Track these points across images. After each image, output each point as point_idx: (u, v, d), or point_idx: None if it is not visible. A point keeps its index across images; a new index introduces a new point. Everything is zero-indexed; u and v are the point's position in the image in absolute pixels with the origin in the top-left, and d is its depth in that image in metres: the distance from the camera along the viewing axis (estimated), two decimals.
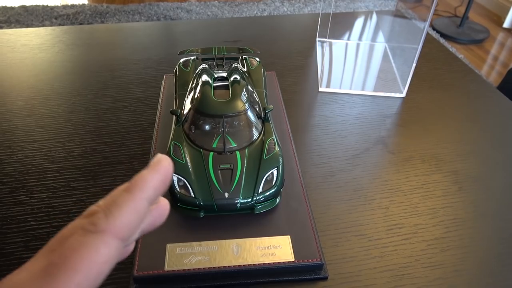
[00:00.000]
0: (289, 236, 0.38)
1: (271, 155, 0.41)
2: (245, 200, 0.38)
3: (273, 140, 0.43)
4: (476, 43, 2.18)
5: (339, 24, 0.81)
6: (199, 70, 0.50)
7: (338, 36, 0.78)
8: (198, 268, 0.35)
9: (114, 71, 0.66)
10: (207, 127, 0.42)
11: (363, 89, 0.64)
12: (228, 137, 0.41)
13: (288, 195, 0.42)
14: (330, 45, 0.76)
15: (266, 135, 0.43)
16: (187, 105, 0.45)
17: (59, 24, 1.94)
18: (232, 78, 0.46)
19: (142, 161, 0.49)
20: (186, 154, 0.40)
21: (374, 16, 0.84)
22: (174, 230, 0.38)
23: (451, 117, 0.59)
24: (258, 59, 0.56)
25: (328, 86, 0.64)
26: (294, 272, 0.37)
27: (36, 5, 2.17)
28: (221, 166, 0.39)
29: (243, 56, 0.56)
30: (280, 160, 0.41)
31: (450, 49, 2.02)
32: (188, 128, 0.43)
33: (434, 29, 2.24)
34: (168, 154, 0.40)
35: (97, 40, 0.76)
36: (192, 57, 0.56)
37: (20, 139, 0.52)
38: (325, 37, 0.78)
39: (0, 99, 0.59)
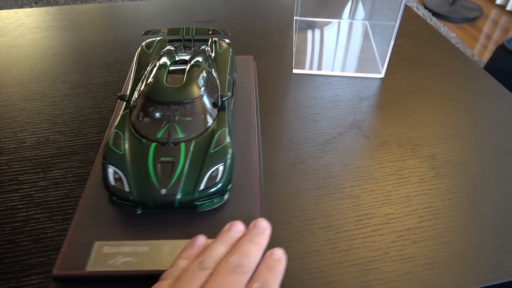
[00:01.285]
0: None
1: (219, 148, 0.37)
2: (184, 198, 0.35)
3: (224, 132, 0.39)
4: (469, 22, 2.13)
5: (318, 2, 0.77)
6: (161, 52, 0.46)
7: (317, 14, 0.74)
8: (122, 271, 0.32)
9: (76, 55, 0.62)
10: (155, 115, 0.38)
11: (340, 70, 0.60)
12: (177, 126, 0.38)
13: (240, 191, 0.39)
14: (308, 24, 0.72)
15: (218, 126, 0.39)
16: (139, 90, 0.42)
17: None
18: (192, 62, 0.43)
19: (97, 151, 0.45)
20: (126, 144, 0.37)
21: None
22: (106, 227, 0.35)
23: (432, 98, 0.56)
24: (228, 41, 0.52)
25: (302, 67, 0.60)
26: None
27: None
28: (161, 158, 0.36)
29: (213, 38, 0.52)
30: (229, 154, 0.37)
31: (442, 28, 1.97)
32: (135, 116, 0.39)
33: (426, 7, 2.19)
34: (107, 144, 0.37)
35: (62, 23, 0.72)
36: (158, 38, 0.52)
37: None
38: (303, 16, 0.74)
39: None
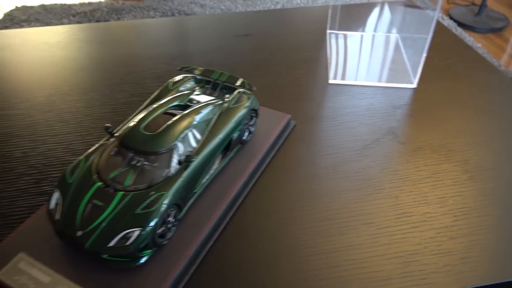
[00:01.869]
0: None
1: (145, 212, 0.36)
2: (92, 247, 0.35)
3: (161, 196, 0.37)
4: (495, 32, 2.13)
5: (349, 16, 0.81)
6: (176, 94, 0.47)
7: (349, 28, 0.78)
8: None
9: (129, 66, 0.68)
10: (118, 155, 0.40)
11: (373, 80, 0.64)
12: (130, 173, 0.38)
13: (162, 258, 0.38)
14: (341, 37, 0.77)
15: (162, 187, 0.38)
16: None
17: (77, 22, 1.98)
18: (184, 113, 0.43)
19: None
20: (79, 175, 0.39)
21: (386, 7, 0.84)
22: (40, 244, 0.38)
23: (462, 107, 0.59)
24: (249, 96, 0.49)
25: (338, 78, 0.65)
26: None
27: (55, 4, 2.22)
28: (94, 201, 0.36)
29: (240, 89, 0.50)
30: (152, 222, 0.35)
31: (468, 39, 1.98)
32: (106, 150, 0.41)
33: (451, 18, 2.20)
34: (66, 169, 0.39)
35: (112, 37, 0.78)
36: (190, 75, 0.52)
37: (42, 133, 0.54)
38: (336, 29, 0.78)
39: (23, 95, 0.62)
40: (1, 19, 2.11)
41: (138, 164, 0.39)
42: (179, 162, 0.40)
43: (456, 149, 0.52)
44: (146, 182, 0.38)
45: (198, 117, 0.43)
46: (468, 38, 2.00)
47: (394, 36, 0.77)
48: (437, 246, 0.40)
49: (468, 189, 0.46)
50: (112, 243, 0.35)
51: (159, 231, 0.37)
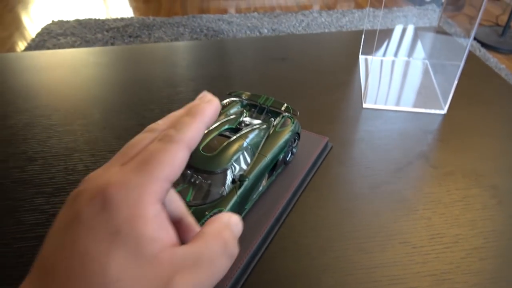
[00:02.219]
0: None
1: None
2: None
3: (220, 211, 0.41)
4: None
5: (381, 41, 0.85)
6: (227, 118, 0.51)
7: (380, 52, 0.83)
8: None
9: (176, 87, 0.74)
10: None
11: (405, 105, 0.68)
12: (190, 189, 0.42)
13: None
14: (373, 61, 0.81)
15: (218, 204, 0.42)
16: None
17: (111, 37, 2.08)
18: (238, 135, 0.47)
19: None
20: None
21: (416, 33, 0.88)
22: None
23: (492, 133, 0.62)
24: (293, 121, 0.53)
25: (371, 102, 0.69)
26: None
27: (89, 19, 2.33)
28: None
29: (284, 113, 0.54)
30: None
31: (491, 60, 1.99)
32: None
33: (474, 38, 2.22)
34: None
35: (156, 58, 0.84)
36: (238, 99, 0.56)
37: (101, 149, 0.60)
38: (368, 54, 0.82)
39: (82, 112, 0.68)
40: (39, 32, 2.22)
41: (197, 182, 0.44)
42: (233, 181, 0.45)
43: (485, 174, 0.55)
44: (204, 198, 0.43)
45: (248, 140, 0.48)
46: (492, 59, 2.01)
47: (424, 62, 0.81)
48: (467, 266, 0.44)
49: (497, 213, 0.50)
50: None
51: None
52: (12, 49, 2.15)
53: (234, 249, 0.23)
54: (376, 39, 0.76)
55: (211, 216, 0.41)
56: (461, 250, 0.45)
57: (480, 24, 2.37)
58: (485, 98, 0.70)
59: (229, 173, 0.45)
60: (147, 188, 0.20)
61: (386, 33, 0.87)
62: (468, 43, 0.61)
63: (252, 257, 0.44)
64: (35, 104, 0.70)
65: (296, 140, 0.55)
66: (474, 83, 0.74)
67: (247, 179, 0.45)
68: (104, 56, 0.85)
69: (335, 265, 0.44)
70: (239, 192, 0.44)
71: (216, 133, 0.49)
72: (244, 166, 0.46)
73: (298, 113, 0.54)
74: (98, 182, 0.20)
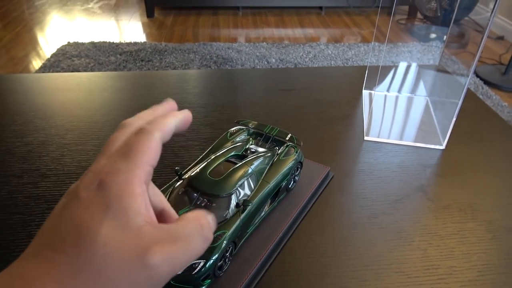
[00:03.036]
0: None
1: (210, 246, 0.39)
2: None
3: (224, 234, 0.43)
4: None
5: (384, 76, 0.89)
6: (235, 144, 0.55)
7: (382, 87, 0.86)
8: None
9: None
10: (185, 196, 0.46)
11: (405, 139, 0.71)
12: None
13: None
14: (375, 96, 0.84)
15: (224, 226, 0.44)
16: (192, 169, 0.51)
17: (123, 60, 2.15)
18: (244, 161, 0.50)
19: None
20: None
21: (417, 70, 0.92)
22: None
23: (488, 170, 0.64)
24: (297, 150, 0.56)
25: (373, 135, 0.71)
26: None
27: (104, 42, 2.41)
28: None
29: (289, 143, 0.57)
30: (214, 255, 0.41)
31: (494, 97, 2.03)
32: (175, 189, 0.48)
33: (477, 76, 2.27)
34: None
35: (169, 85, 0.88)
36: (244, 128, 0.60)
37: None
38: (371, 88, 0.86)
39: (95, 133, 0.71)
40: (54, 53, 2.30)
41: (202, 204, 0.46)
42: (237, 205, 0.47)
43: (481, 209, 0.57)
44: None
45: (253, 167, 0.51)
46: (494, 96, 2.05)
47: (424, 98, 0.84)
48: None
49: (492, 247, 0.51)
50: (180, 271, 0.41)
51: (218, 264, 0.43)
52: (27, 68, 2.22)
53: (209, 233, 0.27)
54: (378, 74, 0.79)
55: (214, 237, 0.43)
56: (456, 282, 0.47)
57: (483, 62, 2.43)
58: (483, 135, 0.73)
59: (233, 197, 0.47)
60: (133, 172, 0.24)
61: (389, 69, 0.90)
62: (467, 80, 0.64)
63: (251, 280, 0.46)
64: (51, 123, 0.74)
65: (299, 169, 0.57)
66: (473, 121, 0.77)
67: (250, 204, 0.47)
68: (118, 80, 0.89)
69: None
70: (242, 216, 0.46)
71: (223, 159, 0.52)
72: (248, 192, 0.49)
73: (302, 143, 0.57)
74: (92, 172, 0.25)
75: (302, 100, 0.82)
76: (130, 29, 2.73)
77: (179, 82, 0.89)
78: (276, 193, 0.53)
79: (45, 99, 0.82)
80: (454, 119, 0.67)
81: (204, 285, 0.43)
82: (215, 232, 0.43)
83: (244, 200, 0.47)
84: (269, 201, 0.53)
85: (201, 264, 0.42)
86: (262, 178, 0.51)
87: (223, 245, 0.43)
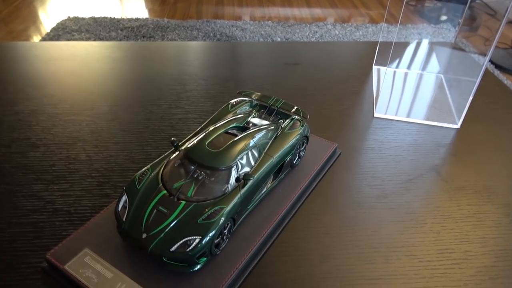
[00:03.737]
0: None
1: (206, 222, 0.39)
2: (154, 250, 0.38)
3: (221, 209, 0.40)
4: None
5: (396, 53, 0.84)
6: (236, 116, 0.51)
7: (395, 64, 0.81)
8: (81, 282, 0.38)
9: (186, 85, 0.73)
10: (182, 168, 0.43)
11: (418, 117, 0.66)
12: (193, 185, 0.41)
13: (215, 266, 0.41)
14: (386, 72, 0.79)
15: (221, 201, 0.41)
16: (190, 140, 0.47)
17: (124, 36, 2.09)
18: (244, 134, 0.47)
19: None
20: (146, 182, 0.42)
21: (432, 47, 0.87)
22: (105, 242, 0.42)
23: (505, 151, 0.60)
24: (302, 124, 0.52)
25: (383, 112, 0.67)
26: None
27: (104, 17, 2.35)
28: (160, 207, 0.40)
29: (294, 116, 0.53)
30: (211, 231, 0.38)
31: (505, 82, 1.97)
32: (170, 161, 0.44)
33: (489, 60, 2.20)
34: (135, 176, 0.43)
35: (170, 56, 0.84)
36: (247, 99, 0.56)
37: (105, 140, 0.59)
38: (382, 65, 0.81)
39: (89, 104, 0.67)
40: (54, 27, 2.24)
41: (200, 178, 0.42)
42: (237, 179, 0.43)
43: (498, 191, 0.53)
44: (206, 195, 0.41)
45: (255, 139, 0.47)
46: (506, 81, 1.99)
47: (438, 76, 0.80)
48: (476, 285, 0.42)
49: (510, 232, 0.47)
50: (173, 248, 0.38)
51: (216, 241, 0.40)
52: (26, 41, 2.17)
53: None
54: (391, 50, 0.75)
55: (211, 213, 0.39)
56: (470, 267, 0.43)
57: (495, 47, 2.36)
58: (500, 116, 0.69)
59: (233, 171, 0.43)
60: None
61: (402, 46, 0.86)
62: (485, 61, 0.60)
63: (251, 259, 0.43)
64: (43, 93, 0.70)
65: (304, 144, 0.53)
66: (489, 100, 0.73)
67: (251, 178, 0.43)
68: (116, 51, 0.85)
69: (335, 274, 0.42)
70: (242, 191, 0.43)
71: (222, 130, 0.48)
72: (249, 166, 0.45)
73: (308, 116, 0.53)
74: None
75: (308, 75, 0.78)
76: (132, 5, 2.66)
77: (179, 54, 0.85)
78: (279, 169, 0.49)
79: (38, 68, 0.77)
80: (471, 97, 0.62)
81: (199, 263, 0.40)
82: (212, 207, 0.40)
83: (245, 174, 0.43)
84: (271, 177, 0.49)
85: (196, 240, 0.38)
86: (264, 152, 0.47)
87: (221, 221, 0.39)
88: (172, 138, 0.46)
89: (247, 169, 0.44)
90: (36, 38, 2.16)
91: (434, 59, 0.84)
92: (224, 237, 0.41)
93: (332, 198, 0.51)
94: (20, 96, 0.68)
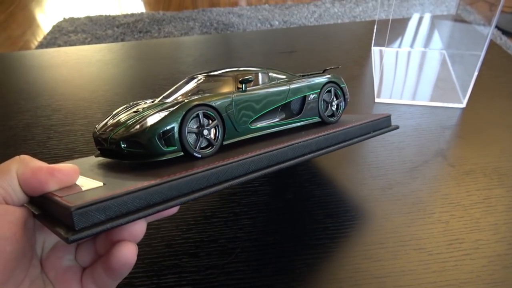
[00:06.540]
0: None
1: (174, 104, 0.34)
2: (115, 137, 0.34)
3: (204, 98, 0.35)
4: None
5: (395, 31, 0.81)
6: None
7: (394, 43, 0.78)
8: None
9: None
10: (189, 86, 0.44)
11: (421, 99, 0.64)
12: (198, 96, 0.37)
13: None
14: (386, 53, 0.76)
15: (209, 97, 0.36)
16: None
17: (121, 33, 2.06)
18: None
19: None
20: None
21: (432, 22, 0.83)
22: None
23: None
24: (335, 77, 0.48)
25: (384, 96, 0.65)
26: None
27: (100, 15, 2.32)
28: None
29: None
30: (178, 111, 0.33)
31: None
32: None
33: (495, 26, 2.13)
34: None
35: (161, 54, 0.82)
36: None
37: None
38: (381, 45, 0.78)
39: (83, 112, 0.66)
40: (50, 31, 2.23)
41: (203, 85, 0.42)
42: (235, 79, 0.40)
43: (509, 173, 0.51)
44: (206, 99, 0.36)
45: (273, 70, 0.44)
46: None
47: (440, 52, 0.76)
48: (489, 275, 0.40)
49: None
50: (133, 130, 0.33)
51: (190, 132, 0.34)
52: (24, 47, 2.16)
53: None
54: (388, 29, 0.72)
55: (187, 102, 0.34)
56: (483, 257, 0.42)
57: (501, 11, 2.28)
58: (508, 89, 0.65)
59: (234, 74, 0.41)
60: None
61: (400, 23, 0.82)
62: (489, 31, 0.57)
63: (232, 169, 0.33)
64: (36, 104, 0.69)
65: (339, 97, 0.48)
66: (496, 74, 0.70)
67: (250, 79, 0.38)
68: (107, 53, 0.83)
69: (340, 275, 0.40)
70: (236, 94, 0.38)
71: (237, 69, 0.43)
72: (258, 82, 0.42)
73: (340, 66, 0.51)
74: None
75: (305, 62, 0.75)
76: (126, 0, 2.62)
77: (171, 51, 0.83)
78: (300, 108, 0.43)
79: (30, 78, 0.76)
80: (476, 73, 0.59)
81: (167, 152, 0.33)
82: (192, 100, 0.35)
83: (246, 78, 0.38)
84: (283, 114, 0.43)
85: (156, 117, 0.33)
86: (279, 76, 0.44)
87: (198, 110, 0.34)
88: (241, 78, 0.40)
89: (251, 80, 0.39)
90: (33, 43, 2.15)
91: (436, 34, 0.80)
92: (205, 135, 0.35)
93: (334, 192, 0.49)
94: (14, 110, 0.67)
